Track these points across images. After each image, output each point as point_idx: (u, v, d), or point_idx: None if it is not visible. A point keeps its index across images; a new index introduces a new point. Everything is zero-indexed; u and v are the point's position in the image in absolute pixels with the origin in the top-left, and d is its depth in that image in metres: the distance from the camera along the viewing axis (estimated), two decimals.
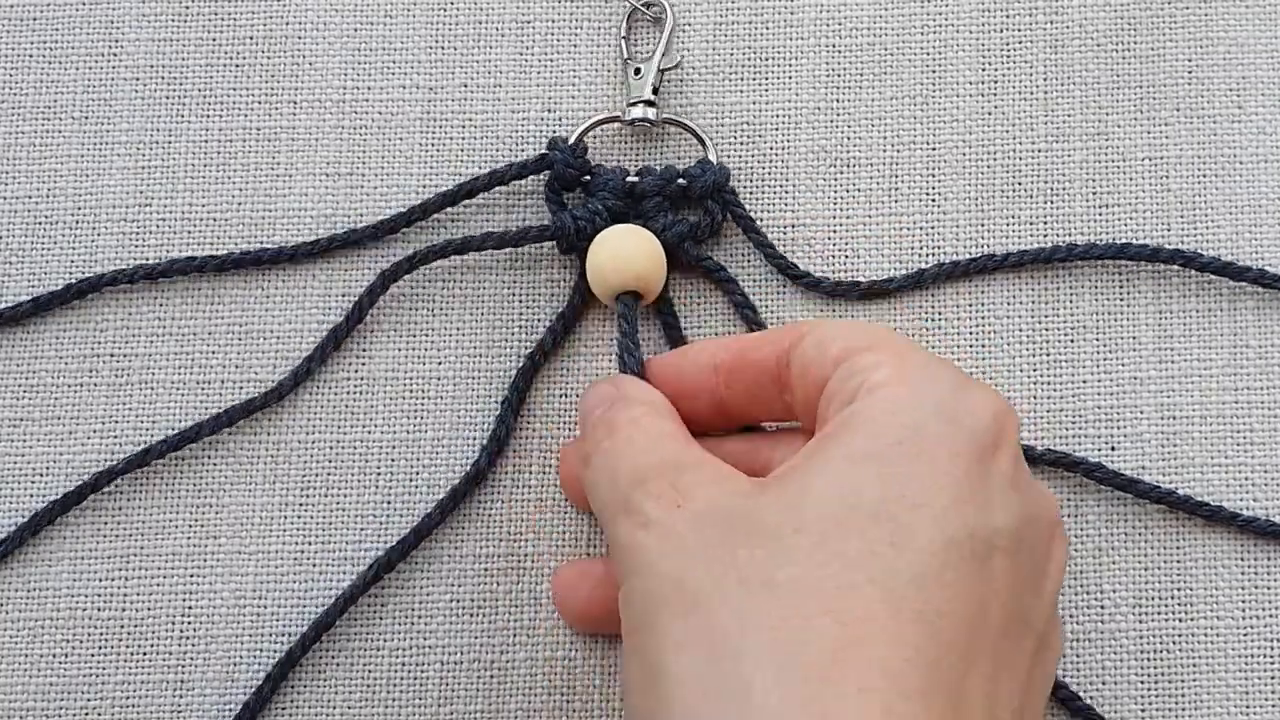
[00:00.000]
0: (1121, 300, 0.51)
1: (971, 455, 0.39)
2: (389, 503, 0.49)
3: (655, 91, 0.52)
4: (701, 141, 0.51)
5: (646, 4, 0.53)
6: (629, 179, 0.50)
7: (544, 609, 0.48)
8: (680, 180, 0.50)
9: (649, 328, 0.50)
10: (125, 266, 0.51)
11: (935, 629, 0.36)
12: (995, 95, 0.52)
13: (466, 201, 0.51)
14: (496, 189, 0.51)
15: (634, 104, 0.51)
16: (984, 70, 0.53)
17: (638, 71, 0.52)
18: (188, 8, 0.53)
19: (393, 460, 0.49)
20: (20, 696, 0.48)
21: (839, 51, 0.53)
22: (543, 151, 0.51)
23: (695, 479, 0.39)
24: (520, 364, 0.50)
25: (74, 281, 0.50)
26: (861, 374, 0.40)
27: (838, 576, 0.36)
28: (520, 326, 0.51)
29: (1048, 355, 0.50)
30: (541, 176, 0.51)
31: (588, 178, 0.50)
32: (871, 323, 0.44)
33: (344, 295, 0.51)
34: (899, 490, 0.37)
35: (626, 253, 0.49)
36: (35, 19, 0.53)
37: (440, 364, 0.50)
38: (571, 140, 0.51)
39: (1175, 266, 0.50)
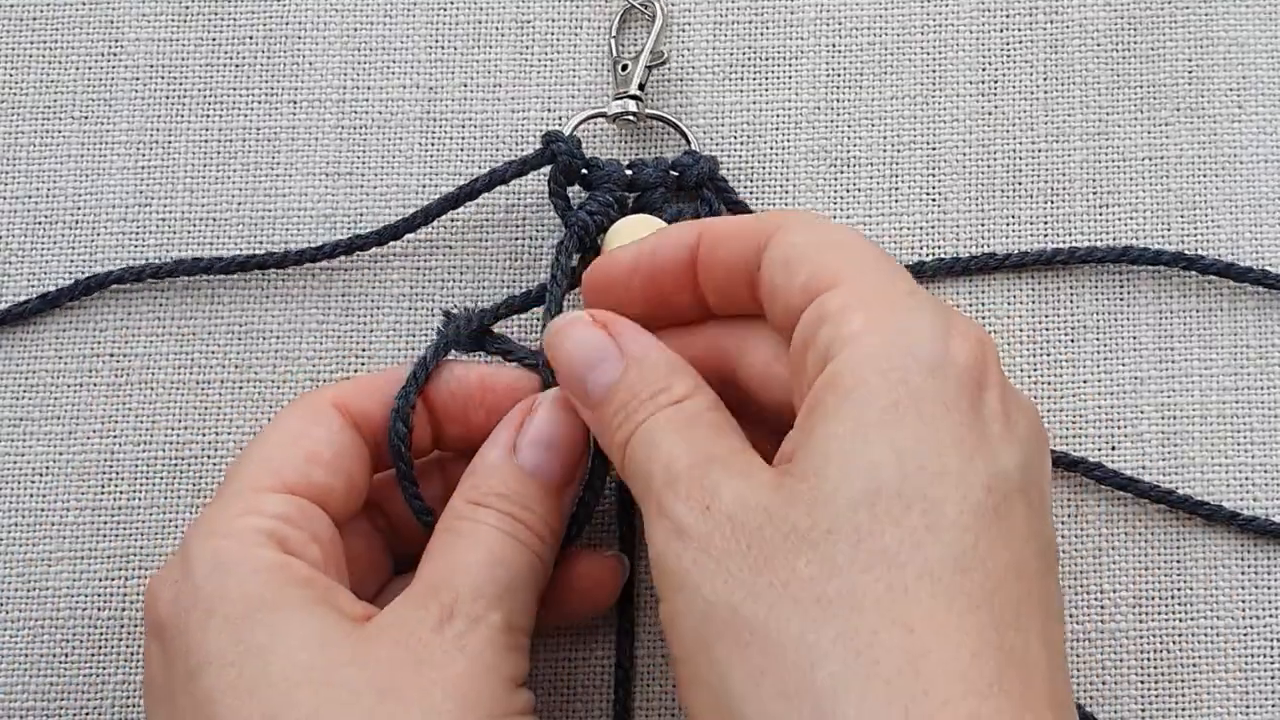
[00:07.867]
0: (1122, 300, 0.51)
1: (963, 403, 0.37)
2: None
3: (641, 88, 0.51)
4: (683, 134, 0.51)
5: (642, 2, 0.53)
6: (625, 171, 0.50)
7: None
8: (673, 171, 0.50)
9: None
10: (125, 265, 0.51)
11: (990, 610, 0.35)
12: (995, 95, 0.52)
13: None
14: (496, 188, 0.51)
15: (619, 98, 0.51)
16: (984, 70, 0.53)
17: (624, 67, 0.52)
18: (188, 7, 0.53)
19: None
20: (20, 697, 0.48)
21: (839, 51, 0.53)
22: (541, 146, 0.50)
23: (723, 475, 0.38)
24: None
25: (81, 278, 0.50)
26: (834, 323, 0.38)
27: (887, 579, 0.35)
28: (523, 320, 0.50)
29: (1048, 355, 0.50)
30: (536, 177, 0.50)
31: (585, 171, 0.50)
32: (836, 226, 0.42)
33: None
34: (915, 462, 0.36)
35: None
36: (35, 18, 0.53)
37: None
38: (566, 134, 0.50)
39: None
